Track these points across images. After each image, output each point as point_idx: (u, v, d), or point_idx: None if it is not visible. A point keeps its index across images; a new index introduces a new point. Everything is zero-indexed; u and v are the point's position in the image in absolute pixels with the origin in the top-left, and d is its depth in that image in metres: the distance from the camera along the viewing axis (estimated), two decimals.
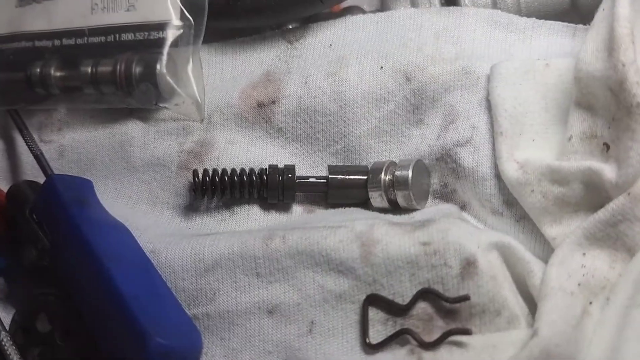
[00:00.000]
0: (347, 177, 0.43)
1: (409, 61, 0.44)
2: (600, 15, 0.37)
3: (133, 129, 0.48)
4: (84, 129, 0.50)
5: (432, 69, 0.43)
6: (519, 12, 0.45)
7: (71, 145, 0.50)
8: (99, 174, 0.49)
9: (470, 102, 0.42)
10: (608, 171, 0.35)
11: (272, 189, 0.43)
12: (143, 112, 0.49)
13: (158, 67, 0.46)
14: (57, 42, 0.49)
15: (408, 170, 0.41)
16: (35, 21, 0.50)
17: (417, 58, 0.44)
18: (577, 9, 0.45)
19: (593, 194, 0.36)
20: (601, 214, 0.34)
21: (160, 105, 0.47)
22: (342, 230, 0.38)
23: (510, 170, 0.38)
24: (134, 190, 0.48)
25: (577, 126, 0.37)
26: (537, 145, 0.39)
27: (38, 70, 0.48)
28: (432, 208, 0.42)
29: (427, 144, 0.43)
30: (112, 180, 0.48)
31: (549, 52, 0.43)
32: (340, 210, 0.44)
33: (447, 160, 0.42)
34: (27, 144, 0.48)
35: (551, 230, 0.37)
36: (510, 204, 0.39)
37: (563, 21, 0.45)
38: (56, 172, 0.49)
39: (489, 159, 0.40)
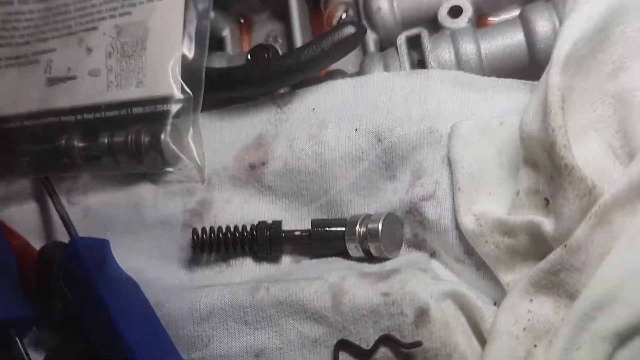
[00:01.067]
0: (328, 230, 0.48)
1: (379, 123, 0.48)
2: (542, 79, 0.41)
3: (145, 191, 0.55)
4: (104, 192, 0.57)
5: (400, 130, 0.48)
6: (482, 70, 0.49)
7: (94, 206, 0.57)
8: (117, 231, 0.55)
9: (435, 160, 0.46)
10: (547, 225, 0.38)
11: (261, 243, 0.48)
12: (153, 176, 0.55)
13: (163, 136, 0.52)
14: (79, 117, 0.57)
15: (379, 224, 0.45)
16: (61, 99, 0.58)
17: (387, 120, 0.48)
18: (536, 65, 0.48)
19: (539, 244, 0.40)
20: (543, 263, 0.38)
21: (167, 170, 0.53)
22: (318, 282, 0.43)
23: (467, 223, 0.42)
24: (147, 245, 0.54)
25: (524, 182, 0.41)
26: (492, 198, 0.43)
27: (64, 142, 0.56)
28: (403, 257, 0.46)
29: (398, 198, 0.47)
30: (129, 237, 0.55)
31: (508, 109, 0.47)
32: (322, 260, 0.48)
33: (414, 213, 0.46)
34: (55, 208, 0.56)
35: (506, 277, 0.41)
36: (470, 253, 0.43)
37: (525, 76, 0.49)
38: (82, 230, 0.56)
39: (450, 212, 0.44)
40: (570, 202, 0.37)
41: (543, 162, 0.39)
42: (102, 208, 0.56)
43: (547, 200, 0.39)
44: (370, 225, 0.46)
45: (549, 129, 0.37)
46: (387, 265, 0.45)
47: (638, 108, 0.40)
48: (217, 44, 0.62)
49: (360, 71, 0.53)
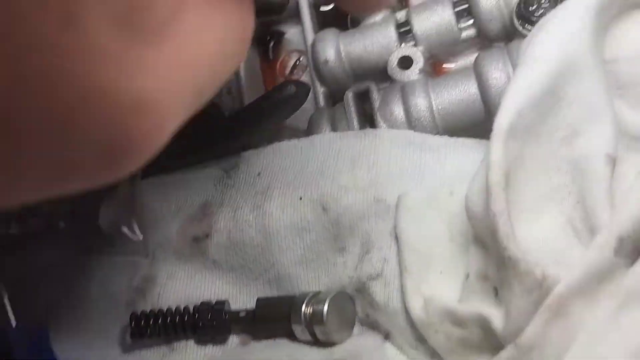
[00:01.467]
0: (273, 310, 0.44)
1: (325, 192, 0.45)
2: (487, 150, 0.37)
3: (92, 266, 0.52)
4: (52, 263, 0.54)
5: (346, 199, 0.44)
6: (435, 127, 0.45)
7: (42, 280, 0.54)
8: (66, 306, 0.53)
9: (383, 232, 0.42)
10: (496, 319, 0.34)
11: (203, 328, 0.45)
12: (100, 249, 0.52)
13: (102, 209, 0.50)
14: None
15: (324, 305, 0.42)
16: None
17: (333, 188, 0.44)
18: (492, 120, 0.44)
19: (491, 337, 0.36)
20: None
21: (110, 244, 0.51)
22: None
23: (415, 309, 0.38)
24: (92, 324, 0.51)
25: (473, 264, 0.37)
26: (444, 278, 0.39)
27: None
28: (354, 341, 0.42)
29: (347, 275, 0.44)
30: (75, 313, 0.52)
31: (461, 172, 0.42)
32: (270, 342, 0.45)
33: (363, 293, 0.42)
34: None
35: None
36: (422, 339, 0.39)
37: (483, 130, 0.45)
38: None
39: (400, 293, 0.40)
40: (518, 297, 0.33)
41: (491, 246, 0.35)
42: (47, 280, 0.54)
43: (495, 290, 0.35)
44: (316, 307, 0.42)
45: (490, 214, 0.33)
46: (335, 352, 0.41)
47: (596, 179, 0.35)
48: None
49: (308, 130, 0.50)
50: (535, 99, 0.35)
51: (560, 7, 0.38)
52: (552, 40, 0.36)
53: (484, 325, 0.35)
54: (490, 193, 0.33)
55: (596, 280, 0.33)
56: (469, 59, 0.49)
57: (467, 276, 0.37)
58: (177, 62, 0.23)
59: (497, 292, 0.35)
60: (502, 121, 0.35)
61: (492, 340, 0.36)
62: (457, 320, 0.36)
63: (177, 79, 0.23)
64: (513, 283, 0.33)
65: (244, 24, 0.28)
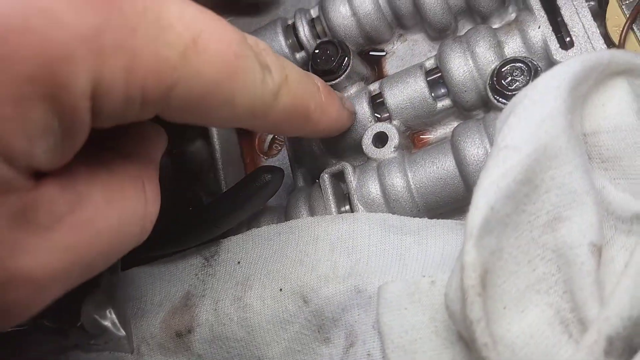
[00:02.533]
0: None
1: (304, 282, 0.43)
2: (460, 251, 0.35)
3: None
4: None
5: (326, 290, 0.42)
6: (416, 207, 0.44)
7: None
8: None
9: (366, 324, 0.41)
10: None
11: None
12: (86, 346, 0.51)
13: (82, 308, 0.49)
14: None
15: None
16: None
17: (312, 278, 0.43)
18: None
19: None
20: None
21: (93, 342, 0.49)
22: None
23: None
24: None
25: None
26: None
27: None
28: None
29: None
30: None
31: (444, 255, 0.41)
32: None
33: None
34: None
35: None
36: None
37: (462, 209, 0.43)
38: None
39: None
40: None
41: (473, 349, 0.33)
42: None
43: None
44: None
45: (467, 320, 0.31)
46: None
47: (582, 271, 0.33)
48: None
49: (287, 212, 0.48)
50: (509, 191, 0.34)
51: (531, 86, 0.36)
52: (523, 126, 0.35)
53: None
54: (465, 298, 0.32)
55: None
56: (448, 127, 0.48)
57: None
58: (65, 246, 0.28)
59: None
60: (474, 219, 0.33)
61: None
62: None
63: (66, 260, 0.28)
64: None
65: (145, 209, 0.32)
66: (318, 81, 0.40)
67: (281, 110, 0.35)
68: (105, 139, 0.33)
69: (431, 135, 0.48)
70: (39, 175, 0.27)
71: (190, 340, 0.47)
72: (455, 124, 0.47)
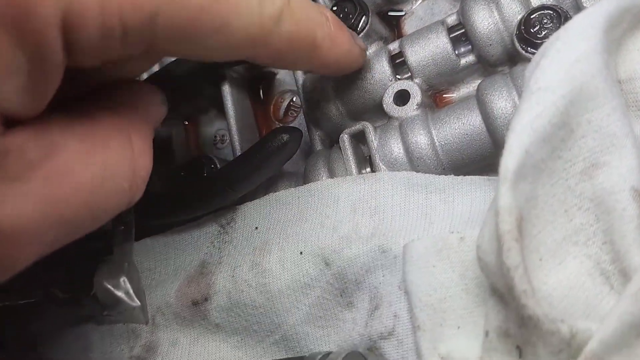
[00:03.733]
0: None
1: (325, 244, 0.41)
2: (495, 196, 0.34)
3: (92, 334, 0.50)
4: (53, 332, 0.52)
5: (349, 251, 0.40)
6: (441, 165, 0.42)
7: (44, 349, 0.52)
8: None
9: (392, 285, 0.39)
10: None
11: None
12: (100, 317, 0.50)
13: (95, 278, 0.47)
14: None
15: None
16: None
17: (333, 240, 0.41)
18: (500, 153, 0.41)
19: None
20: None
21: (107, 313, 0.48)
22: None
23: None
24: None
25: (492, 318, 0.33)
26: (462, 332, 0.35)
27: None
28: None
29: (357, 332, 0.40)
30: None
31: (472, 213, 0.39)
32: None
33: (375, 352, 0.39)
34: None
35: None
36: None
37: (489, 166, 0.41)
38: None
39: (414, 353, 0.37)
40: None
41: (510, 300, 0.32)
42: (52, 352, 0.51)
43: (519, 349, 0.31)
44: None
45: (504, 268, 0.30)
46: None
47: (624, 217, 0.32)
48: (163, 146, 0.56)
49: (305, 176, 0.46)
50: (544, 134, 0.32)
51: (563, 29, 0.35)
52: (556, 67, 0.33)
53: None
54: (502, 244, 0.30)
55: (634, 334, 0.29)
56: (471, 86, 0.46)
57: (487, 333, 0.33)
58: (39, 198, 0.26)
59: (520, 352, 0.31)
60: (507, 163, 0.31)
61: None
62: None
63: (42, 212, 0.26)
64: (537, 344, 0.29)
65: (133, 163, 0.29)
66: (327, 12, 0.38)
67: (284, 37, 0.33)
68: (95, 96, 0.32)
69: (454, 94, 0.46)
70: (9, 124, 0.26)
71: (207, 308, 0.45)
72: (479, 81, 0.45)
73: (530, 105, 0.32)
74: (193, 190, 0.46)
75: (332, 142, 0.49)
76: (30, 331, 0.52)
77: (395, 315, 0.38)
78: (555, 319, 0.29)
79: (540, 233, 0.33)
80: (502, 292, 0.32)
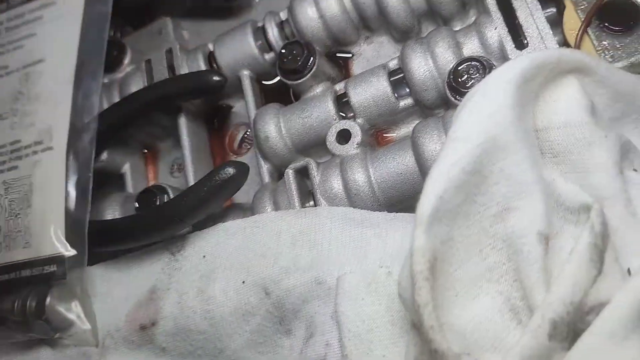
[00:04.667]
0: None
1: (266, 275, 0.44)
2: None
3: (45, 356, 0.51)
4: (3, 355, 0.53)
5: (287, 282, 0.43)
6: (377, 201, 0.45)
7: None
8: None
9: (325, 315, 0.41)
10: None
11: None
12: (51, 340, 0.51)
13: (48, 301, 0.49)
14: None
15: None
16: None
17: (274, 270, 0.44)
18: None
19: None
20: None
21: (58, 335, 0.49)
22: None
23: None
24: None
25: (411, 350, 0.35)
26: None
27: None
28: None
29: (294, 359, 0.43)
30: None
31: (403, 247, 0.42)
32: None
33: None
34: None
35: None
36: None
37: None
38: None
39: None
40: None
41: (421, 333, 0.34)
42: None
43: None
44: None
45: (415, 305, 0.32)
46: None
47: (529, 259, 0.34)
48: (118, 181, 0.58)
49: (252, 209, 0.49)
50: (459, 181, 0.35)
51: (483, 82, 0.38)
52: (473, 118, 0.36)
53: None
54: (414, 283, 0.33)
55: None
56: (410, 126, 0.49)
57: None
58: None
59: None
60: (422, 208, 0.34)
61: None
62: None
63: None
64: None
65: None
66: None
67: None
68: None
69: (394, 134, 0.49)
70: None
71: (154, 333, 0.47)
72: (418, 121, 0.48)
73: (447, 153, 0.35)
74: (144, 220, 0.48)
75: (280, 175, 0.51)
76: None
77: (327, 344, 0.40)
78: (461, 353, 0.31)
79: (457, 271, 0.35)
80: (418, 326, 0.35)
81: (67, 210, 0.50)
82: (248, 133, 0.56)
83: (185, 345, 0.46)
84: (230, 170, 0.45)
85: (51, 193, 0.51)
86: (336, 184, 0.46)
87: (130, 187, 0.57)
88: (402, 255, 0.41)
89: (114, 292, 0.51)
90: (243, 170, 0.46)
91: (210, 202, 0.46)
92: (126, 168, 0.58)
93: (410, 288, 0.34)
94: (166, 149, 0.60)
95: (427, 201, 0.34)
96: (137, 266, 0.51)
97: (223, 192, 0.46)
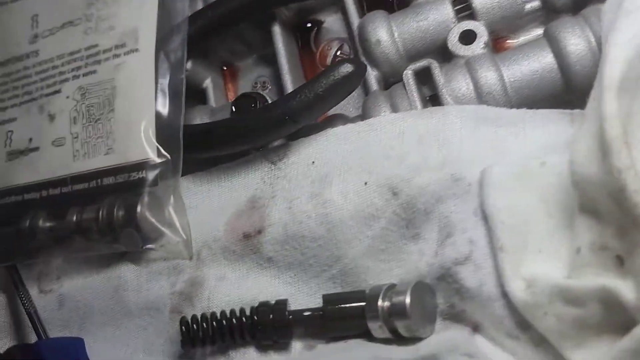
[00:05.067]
0: (344, 306, 0.40)
1: (393, 174, 0.41)
2: (590, 106, 0.34)
3: (126, 272, 0.47)
4: (80, 276, 0.49)
5: (419, 180, 0.40)
6: (509, 101, 0.42)
7: (70, 293, 0.49)
8: (97, 320, 0.48)
9: (464, 213, 0.38)
10: (625, 290, 0.30)
11: (264, 330, 0.40)
12: (134, 255, 0.47)
13: (139, 209, 0.45)
14: (44, 193, 0.49)
15: (406, 296, 0.37)
16: (23, 174, 0.50)
17: (402, 169, 0.41)
18: (573, 90, 0.41)
19: (615, 315, 0.31)
20: (627, 341, 0.30)
21: (147, 247, 0.46)
22: None
23: (517, 290, 0.34)
24: (132, 337, 0.46)
25: (584, 235, 0.33)
26: (544, 257, 0.35)
27: (28, 223, 0.48)
28: (439, 336, 0.38)
29: (426, 262, 0.39)
30: (111, 327, 0.47)
31: (546, 146, 0.39)
32: (342, 344, 0.40)
33: (448, 280, 0.38)
34: (21, 302, 0.47)
35: (575, 356, 0.33)
36: (525, 326, 0.35)
37: (561, 103, 0.41)
38: (58, 323, 0.48)
39: (494, 276, 0.36)
40: None
41: (608, 211, 0.32)
42: (78, 294, 0.48)
43: (620, 259, 0.31)
44: (395, 299, 0.38)
45: (614, 171, 0.30)
46: (422, 348, 0.37)
47: None
48: (198, 96, 0.55)
49: (364, 114, 0.46)
50: None
51: None
52: None
53: (608, 300, 0.31)
54: (611, 148, 0.30)
55: None
56: (531, 33, 0.46)
57: (579, 250, 0.33)
58: None
59: (622, 262, 0.31)
60: (613, 72, 0.31)
61: (616, 318, 0.31)
62: (571, 298, 0.32)
63: None
64: None
65: None
66: None
67: None
68: None
69: (514, 41, 0.47)
70: None
71: (259, 241, 0.43)
72: (539, 30, 0.46)
73: (629, 23, 0.33)
74: (252, 120, 0.44)
75: (387, 85, 0.48)
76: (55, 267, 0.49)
77: (470, 241, 0.37)
78: None
79: (635, 149, 0.33)
80: (597, 206, 0.32)
81: (157, 114, 0.47)
82: (343, 48, 0.53)
83: (295, 254, 0.43)
84: (349, 67, 0.42)
85: (138, 96, 0.47)
86: (464, 84, 0.43)
87: (213, 103, 0.54)
88: (549, 150, 0.38)
89: (206, 205, 0.47)
90: (362, 68, 0.43)
91: (326, 100, 0.43)
92: (207, 83, 0.55)
93: (597, 160, 0.31)
94: (247, 67, 0.57)
95: (617, 66, 0.31)
96: (230, 177, 0.47)
97: (341, 89, 0.43)
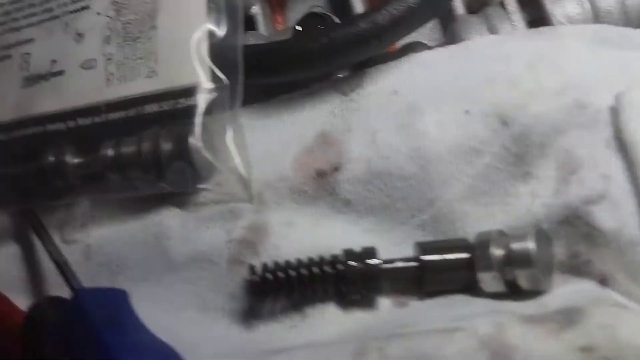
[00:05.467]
0: (445, 256, 0.34)
1: (502, 101, 0.35)
2: None
3: (169, 218, 0.40)
4: (112, 223, 0.42)
5: (535, 107, 0.34)
6: (629, 22, 0.37)
7: (98, 244, 0.42)
8: (133, 276, 0.40)
9: (594, 145, 0.33)
10: None
11: (351, 281, 0.34)
12: (179, 197, 0.40)
13: (191, 140, 0.38)
14: (71, 124, 0.42)
15: (529, 242, 0.31)
16: (45, 101, 0.43)
17: (513, 95, 0.35)
18: None
19: None
20: None
21: (199, 186, 0.39)
22: (459, 334, 0.29)
23: None
24: (178, 293, 0.39)
25: None
26: None
27: (52, 158, 0.41)
28: (566, 289, 0.32)
29: (541, 204, 0.34)
30: (150, 284, 0.40)
31: None
32: (441, 301, 0.34)
33: (575, 223, 0.32)
34: (46, 250, 0.40)
35: None
36: None
37: None
38: (83, 277, 0.41)
39: (636, 216, 0.30)
40: None
41: None
42: (110, 245, 0.41)
43: None
44: (515, 246, 0.32)
45: None
46: (549, 302, 0.31)
47: None
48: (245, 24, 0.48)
49: (452, 39, 0.40)
50: None
51: None
52: None
53: None
54: None
55: None
56: None
57: None
58: None
59: None
60: None
61: None
62: None
63: None
64: None
65: None
66: None
67: None
68: None
69: None
70: None
71: (336, 180, 0.37)
72: None
73: None
74: (330, 38, 0.37)
75: (472, 12, 0.42)
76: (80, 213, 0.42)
77: (604, 176, 0.32)
78: None
79: None
80: None
81: (211, 33, 0.39)
82: None
83: (380, 196, 0.36)
84: None
85: (187, 11, 0.40)
86: (575, 6, 0.37)
87: (263, 31, 0.47)
88: None
89: (268, 139, 0.40)
90: None
91: (420, 15, 0.36)
92: (256, 9, 0.48)
93: None
94: None
95: None
96: (293, 111, 0.41)
97: (434, 5, 0.36)
